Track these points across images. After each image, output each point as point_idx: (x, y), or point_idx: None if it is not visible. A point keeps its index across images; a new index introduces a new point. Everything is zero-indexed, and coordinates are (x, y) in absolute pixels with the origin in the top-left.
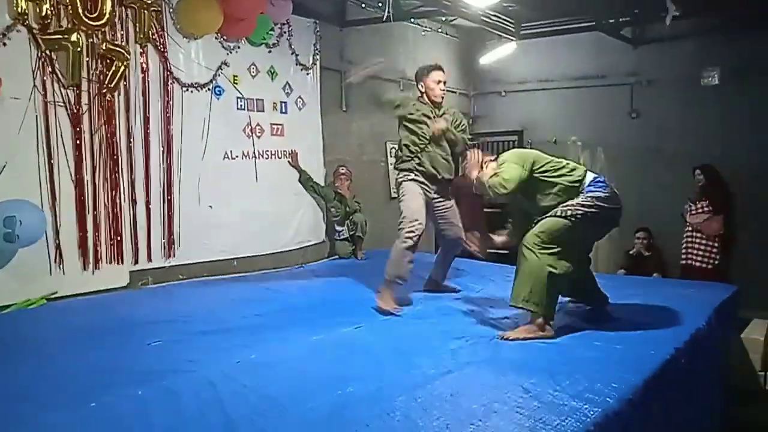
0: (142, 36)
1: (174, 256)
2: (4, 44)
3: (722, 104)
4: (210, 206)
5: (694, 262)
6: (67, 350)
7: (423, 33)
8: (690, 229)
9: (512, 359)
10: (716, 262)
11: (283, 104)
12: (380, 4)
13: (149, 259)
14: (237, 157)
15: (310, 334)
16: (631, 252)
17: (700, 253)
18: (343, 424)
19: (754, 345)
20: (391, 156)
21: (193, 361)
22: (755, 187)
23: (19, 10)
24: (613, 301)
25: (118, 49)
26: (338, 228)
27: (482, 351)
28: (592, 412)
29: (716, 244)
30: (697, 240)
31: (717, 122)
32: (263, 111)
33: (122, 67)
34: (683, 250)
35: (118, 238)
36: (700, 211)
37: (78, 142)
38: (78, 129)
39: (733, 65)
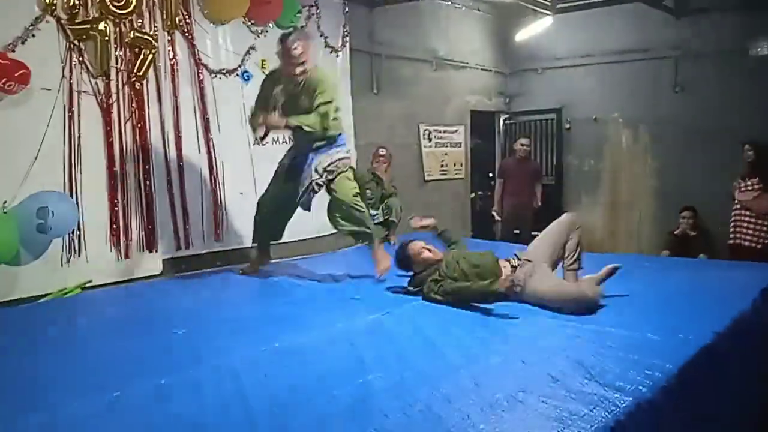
0: (169, 23)
1: (218, 241)
2: (33, 35)
3: None
4: (241, 193)
5: (743, 242)
6: (96, 339)
7: (453, 10)
8: (739, 207)
9: (542, 347)
10: (767, 241)
11: None
12: None
13: (185, 246)
14: (267, 143)
15: (336, 321)
16: (675, 232)
17: (750, 231)
18: (362, 415)
19: None
20: (424, 138)
21: (217, 350)
22: None
23: (48, 0)
24: (656, 284)
25: (145, 37)
26: (372, 212)
27: (511, 339)
28: (622, 401)
29: (766, 223)
30: (746, 218)
31: (766, 95)
32: None
33: (150, 55)
34: (731, 229)
35: (150, 227)
36: (749, 188)
37: (109, 130)
38: (108, 118)
39: None
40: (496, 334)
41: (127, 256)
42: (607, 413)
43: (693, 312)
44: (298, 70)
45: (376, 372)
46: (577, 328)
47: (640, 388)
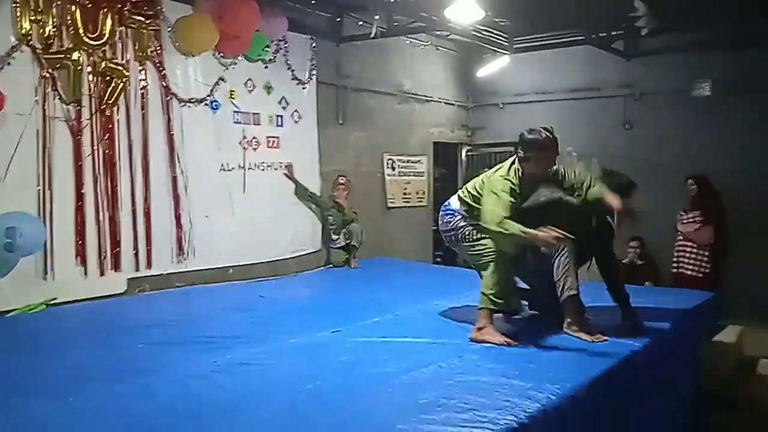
0: (141, 54)
1: (181, 262)
2: (9, 63)
3: (714, 116)
4: (206, 216)
5: (685, 271)
6: (59, 350)
7: (418, 47)
8: (681, 238)
9: (474, 360)
10: (707, 270)
11: (279, 117)
12: (362, 23)
13: (148, 266)
14: (233, 168)
15: (289, 337)
16: (624, 261)
17: (691, 261)
18: (297, 417)
19: (726, 349)
20: (388, 167)
21: (173, 362)
22: (748, 197)
23: (23, 31)
24: (593, 309)
25: (116, 66)
26: (334, 237)
27: (449, 352)
28: (530, 408)
29: (707, 253)
30: (688, 249)
31: (709, 133)
32: (259, 124)
33: (121, 84)
34: (675, 259)
35: (117, 248)
36: (691, 220)
37: (78, 154)
38: (78, 142)
39: (724, 78)
40: (435, 349)
41: (95, 275)
42: (513, 417)
43: (618, 334)
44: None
45: (317, 381)
46: (509, 348)
47: (550, 396)
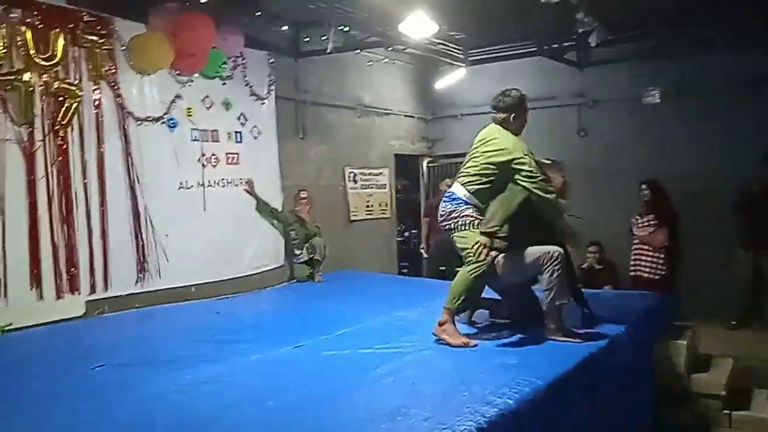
0: (95, 74)
1: (141, 282)
2: None
3: (664, 122)
4: (166, 235)
5: (642, 273)
6: (16, 374)
7: (368, 63)
8: (637, 241)
9: (434, 368)
10: (663, 272)
11: (238, 134)
12: (325, 38)
13: (107, 288)
14: (192, 186)
15: (252, 353)
16: (583, 266)
17: (648, 264)
18: None
19: (681, 348)
20: (350, 180)
21: (133, 383)
22: (699, 200)
23: None
24: None
25: (69, 87)
26: (297, 251)
27: (409, 362)
28: (488, 413)
29: (662, 256)
30: (644, 252)
31: (660, 139)
32: (218, 141)
33: (74, 104)
34: (632, 262)
35: (74, 270)
36: (645, 224)
37: (31, 177)
38: (31, 164)
39: (673, 85)
40: (397, 358)
41: (52, 298)
42: (471, 422)
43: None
44: None
45: (277, 396)
46: (468, 353)
47: (508, 401)
